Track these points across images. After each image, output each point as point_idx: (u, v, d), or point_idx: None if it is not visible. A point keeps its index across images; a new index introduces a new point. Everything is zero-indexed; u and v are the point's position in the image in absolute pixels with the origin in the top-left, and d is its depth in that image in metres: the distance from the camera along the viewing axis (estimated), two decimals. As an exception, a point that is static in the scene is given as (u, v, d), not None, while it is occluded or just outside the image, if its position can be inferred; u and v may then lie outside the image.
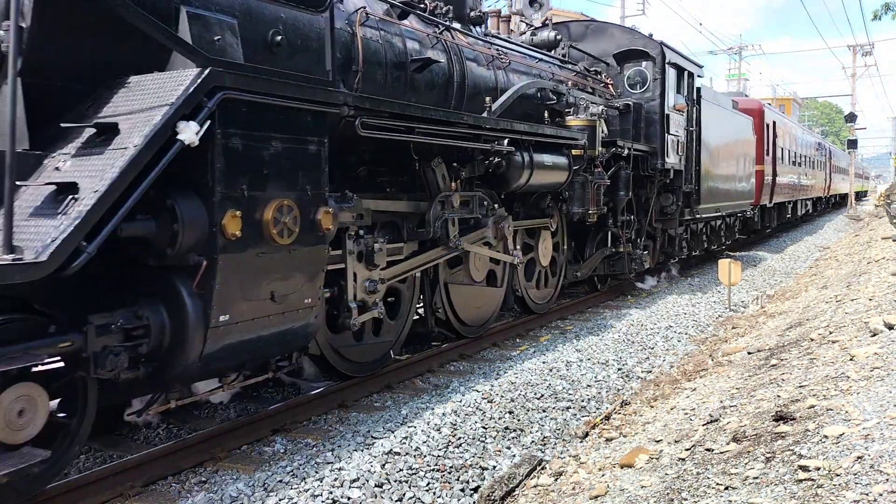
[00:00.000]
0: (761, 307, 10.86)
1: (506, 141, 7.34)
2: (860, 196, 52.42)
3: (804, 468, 3.30)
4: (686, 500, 3.45)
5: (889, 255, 12.26)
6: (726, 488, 3.41)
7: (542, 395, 6.35)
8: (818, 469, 3.25)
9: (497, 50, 8.42)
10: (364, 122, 5.39)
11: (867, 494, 2.90)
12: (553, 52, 10.62)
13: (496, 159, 7.31)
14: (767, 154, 20.82)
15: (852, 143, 44.04)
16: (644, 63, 11.85)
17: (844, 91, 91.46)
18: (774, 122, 22.07)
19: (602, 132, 9.54)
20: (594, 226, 10.32)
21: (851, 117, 44.08)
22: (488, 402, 6.00)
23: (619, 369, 7.41)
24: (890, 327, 5.80)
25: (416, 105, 6.17)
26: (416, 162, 6.68)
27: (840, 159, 42.58)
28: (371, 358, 6.52)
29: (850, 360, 5.19)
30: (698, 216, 13.68)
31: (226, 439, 5.05)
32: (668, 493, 3.60)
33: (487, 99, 7.38)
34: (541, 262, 9.32)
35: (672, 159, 11.86)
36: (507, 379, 6.67)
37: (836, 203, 43.09)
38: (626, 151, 10.39)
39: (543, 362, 7.32)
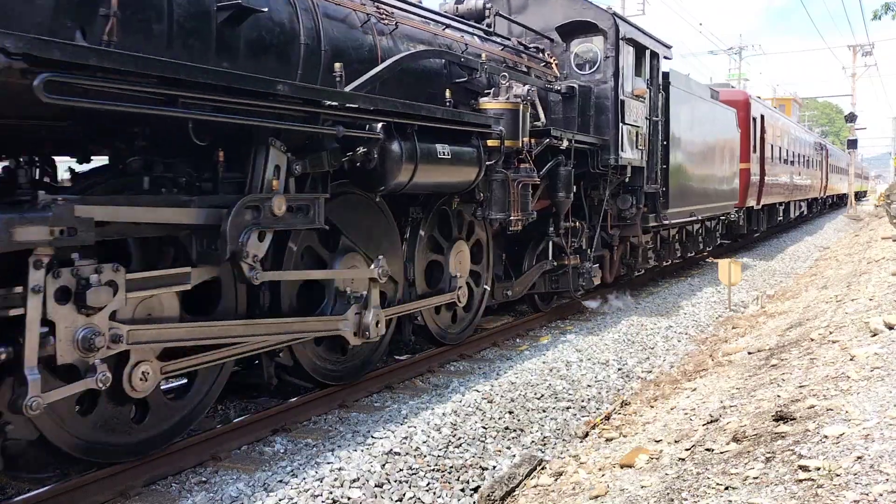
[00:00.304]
0: (761, 307, 10.86)
1: (379, 126, 5.55)
2: (859, 196, 52.17)
3: (804, 468, 3.30)
4: (686, 500, 3.45)
5: (889, 255, 12.26)
6: (726, 488, 3.41)
7: (542, 395, 6.35)
8: (818, 469, 3.25)
9: (378, 8, 6.58)
10: (52, 82, 3.42)
11: (867, 494, 2.90)
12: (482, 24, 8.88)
13: (362, 149, 5.52)
14: (754, 151, 19.00)
15: (852, 143, 44.03)
16: (594, 38, 9.90)
17: (844, 91, 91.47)
18: (763, 116, 20.15)
19: (541, 121, 8.23)
20: (535, 234, 8.91)
21: (851, 117, 44.06)
22: (488, 402, 6.00)
23: (619, 369, 7.41)
24: (890, 327, 5.80)
25: (159, 60, 3.99)
26: (240, 149, 4.87)
27: (838, 158, 41.75)
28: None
29: (851, 360, 5.19)
30: (667, 221, 11.68)
31: (226, 439, 5.05)
32: (668, 493, 3.60)
33: (338, 66, 5.41)
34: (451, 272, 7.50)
35: (629, 154, 10.03)
36: (507, 379, 6.67)
37: (833, 204, 42.37)
38: (565, 143, 8.51)
39: (543, 362, 7.32)
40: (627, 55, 10.13)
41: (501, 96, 7.38)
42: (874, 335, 5.77)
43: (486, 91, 7.49)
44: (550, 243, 9.08)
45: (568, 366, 7.28)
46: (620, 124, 9.77)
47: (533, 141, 7.80)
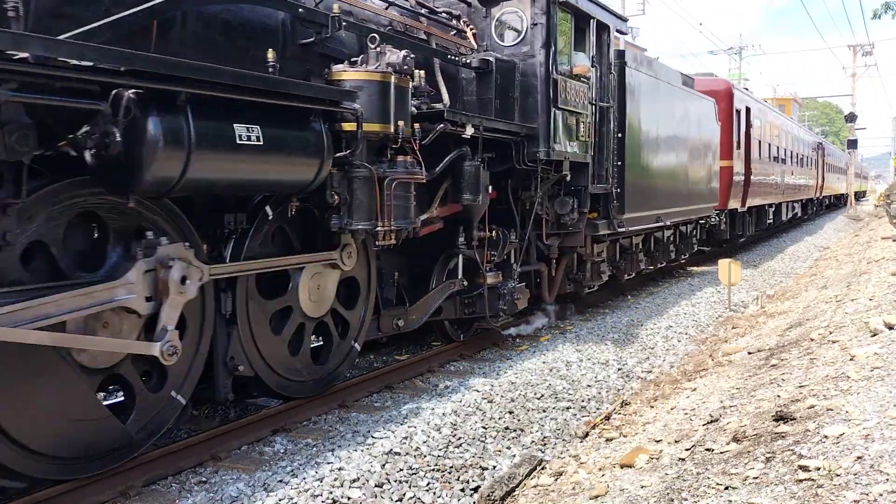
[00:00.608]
0: (761, 307, 10.86)
1: (125, 93, 3.79)
2: (858, 196, 51.82)
3: (804, 468, 3.30)
4: (686, 500, 3.45)
5: (889, 255, 12.26)
6: (726, 488, 3.41)
7: (542, 395, 6.35)
8: (818, 469, 3.25)
9: None
10: None
11: (867, 494, 2.90)
12: None
13: (90, 129, 3.85)
14: (738, 147, 17.14)
15: (852, 143, 44.04)
16: (519, 2, 7.97)
17: (844, 91, 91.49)
18: (748, 109, 18.25)
19: (443, 102, 6.64)
20: (445, 246, 7.23)
21: (851, 117, 44.07)
22: (488, 402, 6.00)
23: (619, 369, 7.42)
24: (890, 327, 5.80)
25: None
26: None
27: (836, 157, 40.63)
28: None
29: (851, 360, 5.19)
30: (623, 228, 9.79)
31: (226, 439, 5.06)
32: (668, 493, 3.60)
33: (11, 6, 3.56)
34: (304, 311, 5.64)
35: (566, 146, 8.11)
36: (507, 379, 6.67)
37: (830, 205, 41.20)
38: (469, 131, 6.63)
39: (543, 362, 7.32)
40: (563, 24, 8.18)
41: (369, 65, 5.58)
42: (874, 335, 5.78)
43: (353, 59, 5.70)
44: (460, 258, 7.28)
45: (568, 366, 7.28)
46: (553, 109, 7.83)
47: (419, 127, 5.96)
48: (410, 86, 5.85)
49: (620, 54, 9.88)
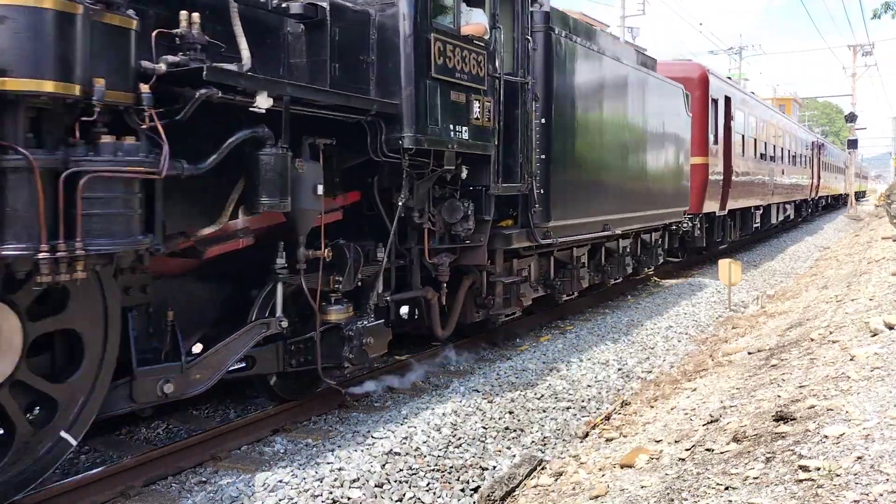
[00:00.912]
0: (761, 307, 10.86)
1: None
2: (858, 196, 51.44)
3: (804, 468, 3.30)
4: (686, 500, 3.45)
5: (889, 255, 12.26)
6: (726, 488, 3.41)
7: (542, 395, 6.35)
8: (818, 469, 3.24)
9: None
10: None
11: (867, 494, 2.90)
12: None
13: None
14: (715, 142, 15.10)
15: (852, 143, 44.06)
16: None
17: (844, 91, 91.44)
18: (728, 99, 16.06)
19: (243, 62, 4.72)
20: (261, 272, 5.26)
21: (851, 117, 44.09)
22: (488, 402, 6.01)
23: (620, 369, 7.41)
24: (890, 327, 5.80)
25: None
26: None
27: (833, 156, 39.22)
28: None
29: (851, 360, 5.19)
30: (549, 240, 7.74)
31: (226, 439, 5.06)
32: (668, 493, 3.60)
33: None
34: None
35: (450, 132, 6.03)
36: (507, 379, 6.67)
37: (827, 206, 39.42)
38: (264, 104, 4.63)
39: (543, 362, 7.32)
40: None
41: None
42: (874, 335, 5.77)
43: None
44: (279, 287, 5.18)
45: (568, 366, 7.28)
46: (425, 80, 5.72)
47: (149, 91, 3.95)
48: (135, 26, 3.92)
49: (545, 17, 7.67)
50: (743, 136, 17.41)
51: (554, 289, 8.82)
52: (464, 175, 6.56)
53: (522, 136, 7.18)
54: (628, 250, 11.02)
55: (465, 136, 6.23)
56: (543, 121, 7.65)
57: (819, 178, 32.05)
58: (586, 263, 9.59)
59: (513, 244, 7.31)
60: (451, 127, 6.06)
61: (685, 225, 13.56)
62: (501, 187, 6.90)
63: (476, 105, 6.35)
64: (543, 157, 7.65)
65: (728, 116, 16.07)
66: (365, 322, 5.68)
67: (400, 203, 5.96)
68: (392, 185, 6.11)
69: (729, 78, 18.25)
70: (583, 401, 6.41)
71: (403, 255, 6.51)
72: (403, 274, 6.58)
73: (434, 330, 6.93)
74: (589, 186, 8.78)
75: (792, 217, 26.91)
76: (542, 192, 7.61)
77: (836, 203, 43.11)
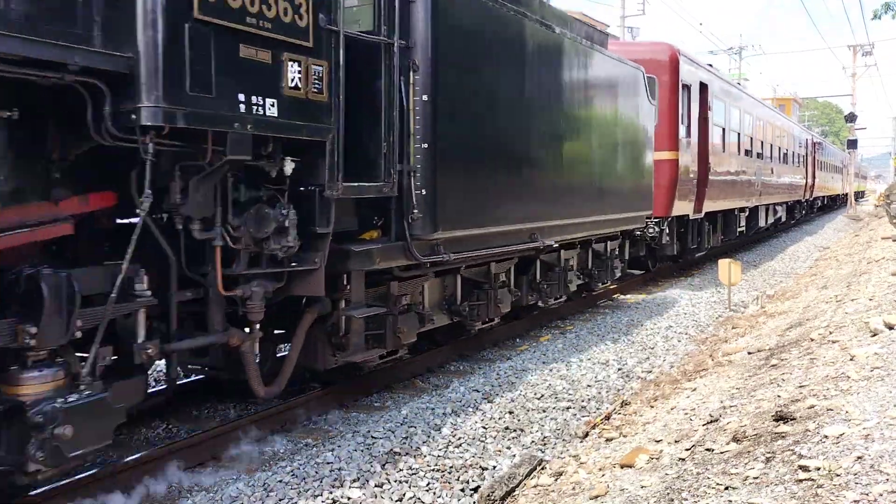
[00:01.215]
0: (761, 307, 10.86)
1: None
2: (857, 196, 50.98)
3: (804, 468, 3.30)
4: (686, 500, 3.45)
5: (889, 255, 12.26)
6: (726, 488, 3.41)
7: (542, 395, 6.35)
8: (818, 469, 3.25)
9: None
10: None
11: (867, 494, 2.90)
12: None
13: None
14: (688, 135, 13.09)
15: (852, 143, 44.08)
16: None
17: (844, 91, 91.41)
18: (703, 86, 13.96)
19: None
20: None
21: (851, 117, 44.10)
22: (488, 402, 6.01)
23: (619, 369, 7.42)
24: (890, 327, 5.80)
25: None
26: None
27: (830, 154, 38.16)
28: None
29: (851, 360, 5.19)
30: (440, 256, 6.11)
31: (226, 439, 5.06)
32: (668, 493, 3.60)
33: None
34: None
35: (236, 105, 4.11)
36: (507, 379, 6.68)
37: (823, 206, 38.06)
38: None
39: (543, 362, 7.33)
40: None
41: None
42: (874, 335, 5.77)
43: None
44: None
45: (568, 366, 7.29)
46: (183, 21, 3.82)
47: None
48: None
49: None
50: (724, 130, 15.46)
51: (462, 315, 7.08)
52: (288, 170, 4.67)
53: (387, 117, 5.47)
54: (572, 264, 9.18)
55: (273, 111, 4.35)
56: (426, 98, 5.81)
57: (815, 177, 30.54)
58: (511, 282, 7.90)
59: (376, 264, 5.50)
60: (243, 98, 4.15)
61: (650, 231, 11.88)
62: (345, 187, 5.02)
63: (293, 68, 4.47)
64: (426, 146, 5.84)
65: (704, 106, 14.02)
66: (74, 399, 3.56)
67: (144, 209, 3.82)
68: (166, 182, 4.26)
69: (710, 65, 15.99)
70: (583, 401, 6.41)
71: (198, 284, 4.59)
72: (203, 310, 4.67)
73: (251, 385, 4.96)
74: (504, 186, 6.96)
75: (784, 219, 25.20)
76: (423, 193, 5.81)
77: (833, 204, 42.31)
